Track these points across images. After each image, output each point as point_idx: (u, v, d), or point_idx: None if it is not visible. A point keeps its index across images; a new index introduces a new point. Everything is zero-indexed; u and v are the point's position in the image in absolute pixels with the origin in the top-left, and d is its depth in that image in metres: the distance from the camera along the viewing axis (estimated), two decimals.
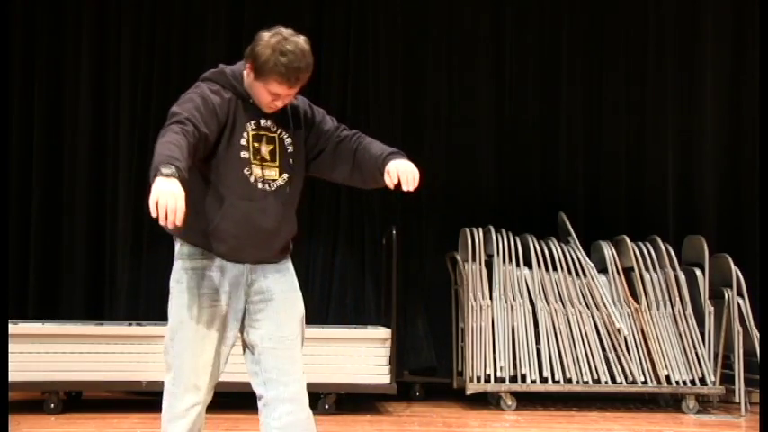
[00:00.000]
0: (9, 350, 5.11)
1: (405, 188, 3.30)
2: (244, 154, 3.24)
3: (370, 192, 7.54)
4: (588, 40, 7.81)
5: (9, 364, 4.99)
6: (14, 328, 6.02)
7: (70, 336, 6.23)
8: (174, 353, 3.40)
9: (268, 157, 3.30)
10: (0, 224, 5.92)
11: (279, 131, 3.36)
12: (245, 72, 3.34)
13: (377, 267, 7.32)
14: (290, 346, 3.53)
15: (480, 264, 6.82)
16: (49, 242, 7.46)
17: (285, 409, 3.46)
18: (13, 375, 5.40)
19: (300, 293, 3.58)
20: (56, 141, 7.53)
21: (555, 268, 6.80)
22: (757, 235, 6.82)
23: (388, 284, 6.83)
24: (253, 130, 3.28)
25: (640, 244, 6.91)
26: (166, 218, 2.93)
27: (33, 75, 7.55)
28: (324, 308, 7.47)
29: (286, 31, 3.31)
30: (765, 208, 6.17)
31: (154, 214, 2.95)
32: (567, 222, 7.09)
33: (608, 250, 6.87)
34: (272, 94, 3.29)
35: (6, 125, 7.17)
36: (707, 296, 6.81)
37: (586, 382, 6.64)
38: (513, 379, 6.65)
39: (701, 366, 6.65)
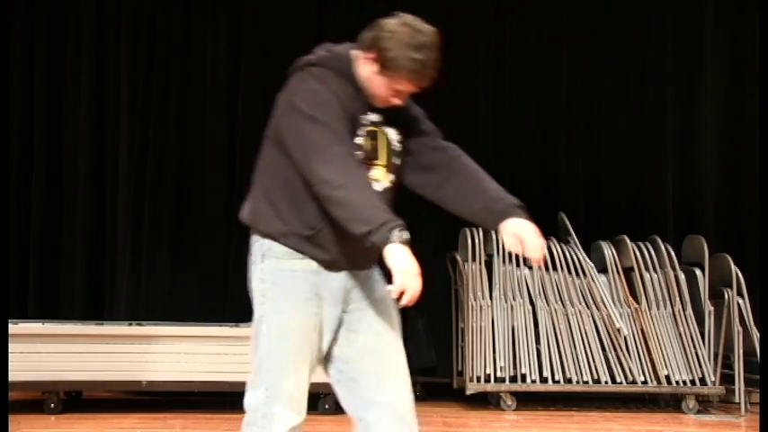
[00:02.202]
0: (9, 350, 5.11)
1: (532, 261, 2.95)
2: (357, 153, 2.88)
3: None
4: (588, 40, 7.82)
5: (9, 364, 4.98)
6: (14, 328, 6.02)
7: (70, 336, 6.23)
8: (269, 365, 2.91)
9: (375, 156, 2.94)
10: (0, 224, 5.91)
11: (386, 127, 2.99)
12: (359, 60, 2.93)
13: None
14: (393, 360, 3.07)
15: (480, 264, 6.82)
16: (49, 242, 7.46)
17: None
18: (13, 375, 5.40)
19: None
20: (56, 141, 7.54)
21: (555, 268, 6.80)
22: (757, 235, 6.81)
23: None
24: (366, 126, 2.92)
25: (640, 244, 6.91)
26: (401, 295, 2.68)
27: (33, 74, 7.55)
28: None
29: (415, 21, 2.98)
30: (765, 208, 6.17)
31: (397, 292, 2.73)
32: (567, 222, 7.09)
33: (608, 250, 6.87)
34: (393, 91, 2.92)
35: (6, 125, 7.16)
36: (707, 296, 6.81)
37: (586, 382, 6.64)
38: (513, 379, 6.64)
39: (700, 366, 6.65)
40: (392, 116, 2.98)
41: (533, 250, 2.87)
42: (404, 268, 2.67)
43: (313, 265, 2.90)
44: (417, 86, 2.92)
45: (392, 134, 2.99)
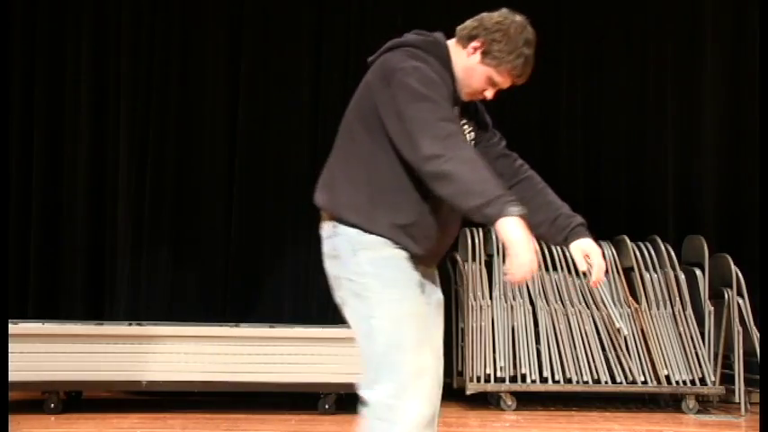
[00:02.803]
0: (9, 350, 5.11)
1: (592, 280, 2.84)
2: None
3: None
4: (588, 40, 7.82)
5: (9, 364, 4.98)
6: (14, 328, 6.02)
7: (70, 336, 6.23)
8: (391, 359, 2.73)
9: None
10: (0, 224, 5.91)
11: (464, 123, 2.96)
12: (457, 49, 2.91)
13: None
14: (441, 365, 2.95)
15: (480, 264, 6.82)
16: (49, 242, 7.46)
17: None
18: (13, 375, 5.40)
19: None
20: (56, 141, 7.54)
21: (555, 268, 6.80)
22: (757, 235, 6.81)
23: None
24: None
25: (640, 244, 6.92)
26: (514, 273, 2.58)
27: (33, 74, 7.55)
28: (324, 308, 7.46)
29: (520, 17, 2.94)
30: (765, 208, 6.17)
31: (513, 267, 2.59)
32: None
33: (608, 250, 6.87)
34: (490, 83, 2.90)
35: (6, 125, 7.17)
36: (707, 296, 6.81)
37: (586, 382, 6.64)
38: (513, 379, 6.64)
39: (700, 366, 6.65)
40: (469, 114, 2.97)
41: (599, 272, 2.83)
42: (521, 241, 2.55)
43: (405, 253, 2.81)
44: (516, 81, 2.91)
45: (468, 130, 2.98)
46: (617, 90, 7.82)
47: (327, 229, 2.87)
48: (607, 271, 6.84)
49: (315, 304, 7.46)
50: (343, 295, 2.85)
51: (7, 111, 7.26)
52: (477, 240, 6.86)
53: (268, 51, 7.64)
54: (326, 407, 6.29)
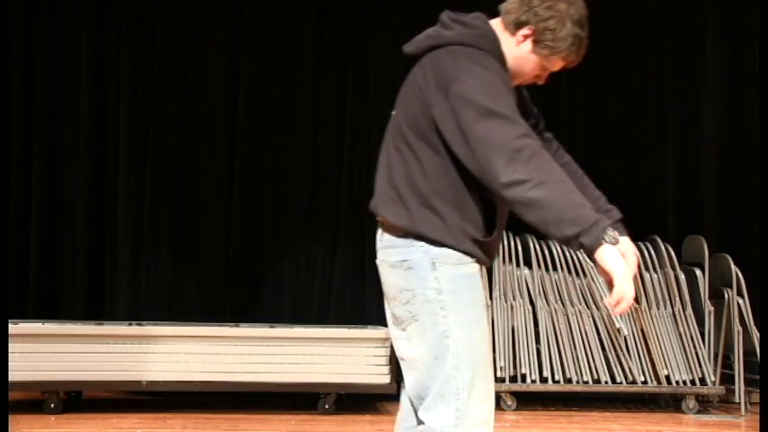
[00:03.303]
0: (9, 350, 5.11)
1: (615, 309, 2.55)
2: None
3: (370, 192, 7.54)
4: (588, 40, 7.80)
5: (9, 364, 4.98)
6: (14, 328, 6.02)
7: (70, 336, 6.23)
8: (459, 383, 2.64)
9: None
10: (0, 224, 5.91)
11: None
12: (506, 36, 2.70)
13: (377, 267, 7.30)
14: None
15: None
16: (49, 242, 7.45)
17: None
18: (13, 375, 5.39)
19: None
20: (56, 141, 7.53)
21: (555, 268, 6.80)
22: (757, 235, 6.81)
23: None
24: None
25: (640, 244, 6.91)
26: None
27: (33, 74, 7.55)
28: (324, 308, 7.47)
29: None
30: (765, 208, 6.17)
31: (616, 299, 2.44)
32: None
33: None
34: (542, 70, 2.73)
35: (6, 125, 7.16)
36: (707, 296, 6.81)
37: (586, 382, 6.64)
38: (513, 379, 6.64)
39: (701, 366, 6.65)
40: (519, 101, 2.73)
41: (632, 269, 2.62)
42: (624, 272, 2.41)
43: (478, 267, 2.69)
44: (570, 64, 2.73)
45: None
46: (617, 90, 7.82)
47: (396, 239, 2.67)
48: None
49: (315, 304, 7.47)
50: (413, 309, 2.66)
51: (7, 111, 7.25)
52: None
53: (268, 51, 7.64)
54: (326, 407, 6.29)
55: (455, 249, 2.63)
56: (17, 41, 7.49)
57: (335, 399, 6.33)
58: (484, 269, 2.75)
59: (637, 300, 6.75)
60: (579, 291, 6.78)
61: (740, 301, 6.73)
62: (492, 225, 2.67)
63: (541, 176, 2.44)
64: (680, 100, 7.78)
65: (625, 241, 2.62)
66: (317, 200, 7.57)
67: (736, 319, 6.70)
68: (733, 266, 6.78)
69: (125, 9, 7.59)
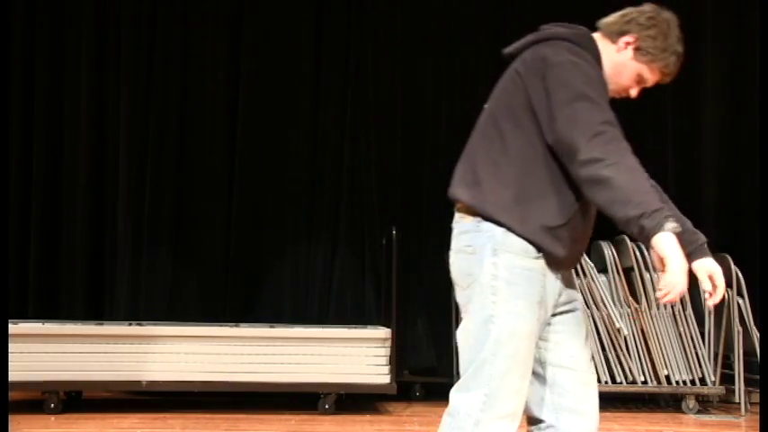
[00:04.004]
0: (9, 350, 5.11)
1: (714, 301, 2.72)
2: None
3: (370, 191, 7.55)
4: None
5: (9, 364, 4.99)
6: (14, 328, 6.02)
7: (70, 336, 6.24)
8: (493, 370, 2.67)
9: None
10: (0, 224, 5.91)
11: None
12: (604, 43, 2.85)
13: (377, 267, 7.32)
14: (590, 368, 2.90)
15: None
16: (49, 242, 7.46)
17: None
18: (13, 375, 5.40)
19: None
20: (56, 142, 7.53)
21: None
22: (757, 235, 6.81)
23: (388, 284, 6.83)
24: None
25: (640, 244, 6.90)
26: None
27: (33, 74, 7.55)
28: (324, 308, 7.47)
29: (667, 12, 2.93)
30: (765, 208, 6.17)
31: (667, 288, 2.51)
32: None
33: (608, 250, 6.86)
34: (639, 80, 2.84)
35: (6, 125, 7.16)
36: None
37: None
38: None
39: (701, 366, 6.65)
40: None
41: (720, 294, 2.72)
42: (679, 260, 2.47)
43: (543, 264, 2.70)
44: (664, 79, 2.85)
45: None
46: None
47: (466, 224, 2.74)
48: (607, 271, 6.84)
49: (315, 304, 7.47)
50: (470, 293, 2.76)
51: (7, 111, 7.25)
52: None
53: (268, 51, 7.64)
54: (326, 407, 6.29)
55: (520, 237, 2.66)
56: (17, 41, 7.49)
57: (335, 399, 6.33)
58: (560, 276, 2.76)
59: (637, 300, 6.75)
60: (579, 291, 6.76)
61: (740, 301, 6.73)
62: (567, 216, 2.69)
63: (617, 158, 2.56)
64: (680, 100, 7.78)
65: (711, 263, 2.74)
66: (317, 200, 7.57)
67: (736, 319, 6.70)
68: (733, 266, 6.77)
69: (125, 9, 7.59)
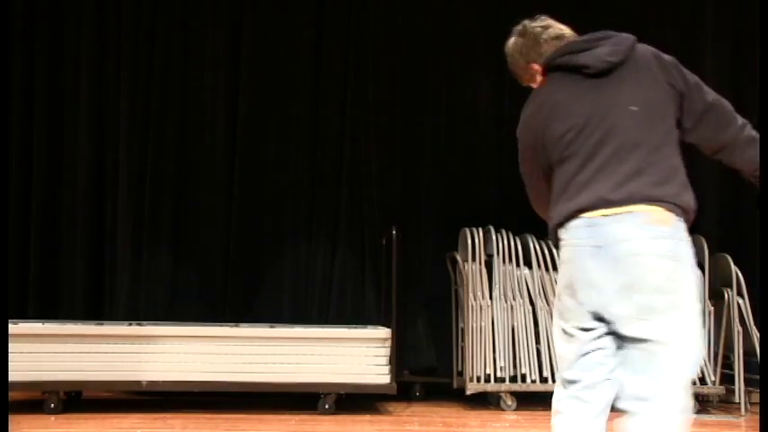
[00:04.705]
0: (9, 350, 5.10)
1: None
2: None
3: (370, 191, 7.56)
4: None
5: (9, 364, 4.98)
6: (14, 328, 6.02)
7: (70, 336, 6.23)
8: (696, 359, 2.93)
9: None
10: (0, 224, 5.91)
11: None
12: None
13: (377, 268, 7.32)
14: None
15: (480, 264, 6.81)
16: (49, 242, 7.46)
17: None
18: (13, 375, 5.39)
19: None
20: (56, 142, 7.54)
21: (555, 268, 6.79)
22: (757, 235, 6.81)
23: (388, 284, 6.83)
24: None
25: None
26: None
27: (33, 74, 7.55)
28: (324, 308, 7.47)
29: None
30: (765, 208, 6.16)
31: None
32: None
33: None
34: None
35: (6, 125, 7.16)
36: (707, 296, 6.80)
37: None
38: (513, 379, 6.64)
39: (701, 366, 6.65)
40: None
41: None
42: None
43: None
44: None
45: None
46: None
47: (669, 229, 2.88)
48: None
49: (315, 304, 7.47)
50: (677, 300, 2.86)
51: (7, 111, 7.25)
52: (477, 240, 6.85)
53: (268, 51, 7.64)
54: (326, 407, 6.29)
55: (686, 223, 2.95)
56: (17, 41, 7.49)
57: (335, 399, 6.33)
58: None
59: None
60: None
61: (740, 301, 6.73)
62: None
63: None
64: None
65: None
66: (317, 200, 7.57)
67: (736, 319, 6.69)
68: (733, 266, 6.77)
69: (125, 9, 7.59)
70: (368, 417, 6.28)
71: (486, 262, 6.85)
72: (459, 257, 6.95)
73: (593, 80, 2.97)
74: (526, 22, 3.24)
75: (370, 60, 7.66)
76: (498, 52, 8.74)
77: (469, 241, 6.86)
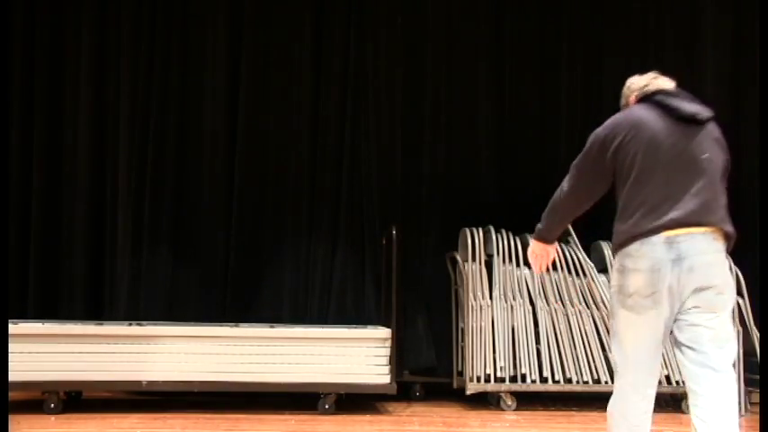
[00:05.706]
0: (9, 350, 5.11)
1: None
2: None
3: (370, 192, 7.56)
4: (588, 41, 7.81)
5: (9, 364, 4.99)
6: (14, 328, 6.02)
7: (70, 336, 6.24)
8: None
9: None
10: (0, 224, 5.91)
11: None
12: None
13: (377, 267, 7.32)
14: None
15: (480, 264, 6.82)
16: (49, 242, 7.46)
17: None
18: (13, 375, 5.40)
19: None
20: (56, 142, 7.54)
21: (555, 268, 6.80)
22: (757, 235, 6.81)
23: (388, 284, 6.83)
24: None
25: None
26: None
27: (33, 74, 7.55)
28: (324, 308, 7.47)
29: None
30: (765, 208, 6.17)
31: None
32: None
33: (608, 250, 6.86)
34: None
35: (6, 125, 7.17)
36: None
37: (586, 382, 6.64)
38: (513, 379, 6.64)
39: None
40: None
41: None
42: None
43: None
44: None
45: None
46: (617, 91, 7.79)
47: (721, 245, 3.67)
48: (607, 271, 6.84)
49: (315, 304, 7.47)
50: (728, 300, 3.68)
51: (7, 111, 7.25)
52: (477, 240, 6.86)
53: (268, 51, 7.64)
54: (326, 407, 6.29)
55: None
56: (17, 41, 7.49)
57: (335, 399, 6.33)
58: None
59: None
60: (579, 291, 6.78)
61: (740, 301, 6.73)
62: None
63: None
64: None
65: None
66: (317, 200, 7.57)
67: (737, 319, 6.69)
68: (733, 266, 6.77)
69: (125, 8, 7.59)
70: (368, 417, 6.28)
71: (486, 262, 6.85)
72: (459, 257, 6.95)
73: (685, 125, 3.73)
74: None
75: (370, 61, 7.65)
76: (498, 52, 8.77)
77: (469, 241, 6.86)
